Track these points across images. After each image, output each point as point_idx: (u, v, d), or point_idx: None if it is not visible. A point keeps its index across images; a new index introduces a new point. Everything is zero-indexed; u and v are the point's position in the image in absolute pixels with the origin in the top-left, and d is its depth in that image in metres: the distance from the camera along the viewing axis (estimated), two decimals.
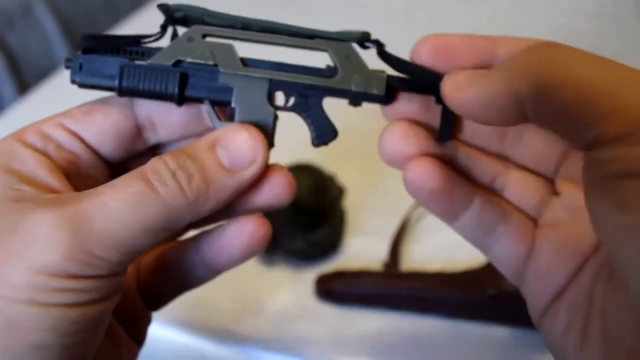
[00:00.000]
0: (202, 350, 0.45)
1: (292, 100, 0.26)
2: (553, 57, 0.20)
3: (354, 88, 0.26)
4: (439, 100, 0.25)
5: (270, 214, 0.51)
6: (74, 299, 0.22)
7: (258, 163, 0.25)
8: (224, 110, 0.27)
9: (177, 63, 0.26)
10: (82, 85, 0.26)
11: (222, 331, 0.45)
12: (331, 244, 0.51)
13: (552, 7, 0.90)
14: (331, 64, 0.26)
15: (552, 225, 0.26)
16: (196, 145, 0.24)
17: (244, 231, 0.28)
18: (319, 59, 0.27)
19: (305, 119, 0.27)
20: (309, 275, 0.49)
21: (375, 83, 0.26)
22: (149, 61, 0.26)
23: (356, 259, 0.50)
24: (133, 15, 0.96)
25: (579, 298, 0.24)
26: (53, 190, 0.24)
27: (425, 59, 0.25)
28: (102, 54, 0.26)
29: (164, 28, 0.26)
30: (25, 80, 1.03)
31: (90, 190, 0.23)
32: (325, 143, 0.27)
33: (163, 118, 0.27)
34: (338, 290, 0.47)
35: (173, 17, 0.26)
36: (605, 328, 0.22)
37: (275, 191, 0.26)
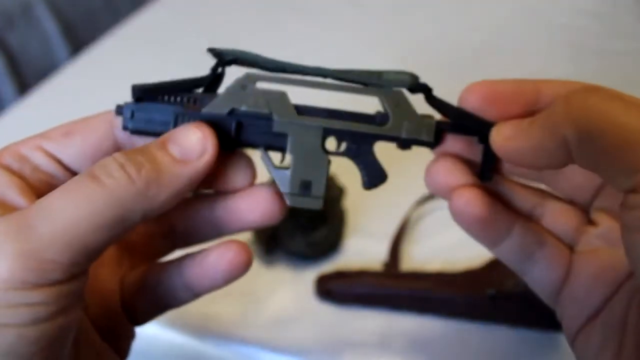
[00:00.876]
0: (202, 350, 0.45)
1: (343, 145, 0.27)
2: (595, 103, 0.21)
3: (404, 135, 0.27)
4: (481, 140, 0.26)
5: None
6: (30, 315, 0.21)
7: (209, 153, 0.25)
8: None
9: (232, 111, 0.26)
10: (134, 132, 0.26)
11: (222, 331, 0.45)
12: (331, 244, 0.51)
13: (553, 7, 0.90)
14: (381, 109, 0.27)
15: (589, 252, 0.27)
16: (147, 144, 0.25)
17: (225, 257, 0.28)
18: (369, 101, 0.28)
19: (357, 163, 0.27)
20: (309, 275, 0.49)
21: (424, 129, 0.27)
22: (203, 110, 0.26)
23: (356, 259, 0.50)
24: (133, 15, 0.96)
25: (613, 321, 0.25)
26: (15, 209, 0.24)
27: (474, 105, 0.26)
28: (154, 102, 0.26)
29: (214, 71, 0.27)
30: (25, 80, 1.03)
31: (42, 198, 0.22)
32: (376, 186, 0.28)
33: (142, 138, 0.27)
34: (338, 290, 0.47)
35: (224, 60, 0.27)
36: (639, 350, 0.23)
37: (265, 209, 0.28)
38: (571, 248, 0.28)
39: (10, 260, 0.20)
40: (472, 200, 0.26)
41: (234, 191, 0.28)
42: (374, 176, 0.28)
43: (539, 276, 0.27)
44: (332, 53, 0.80)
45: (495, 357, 0.43)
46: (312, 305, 0.47)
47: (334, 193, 0.51)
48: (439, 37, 0.84)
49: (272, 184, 0.28)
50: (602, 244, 0.26)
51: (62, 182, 0.25)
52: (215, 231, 0.30)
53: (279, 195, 0.28)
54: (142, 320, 0.30)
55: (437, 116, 0.27)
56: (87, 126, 0.27)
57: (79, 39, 1.12)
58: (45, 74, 0.85)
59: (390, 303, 0.46)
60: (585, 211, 0.28)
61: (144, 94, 0.26)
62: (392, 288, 0.46)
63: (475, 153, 0.27)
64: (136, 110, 0.26)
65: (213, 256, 0.28)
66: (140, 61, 0.82)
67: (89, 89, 0.78)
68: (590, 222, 0.27)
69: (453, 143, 0.27)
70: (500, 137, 0.25)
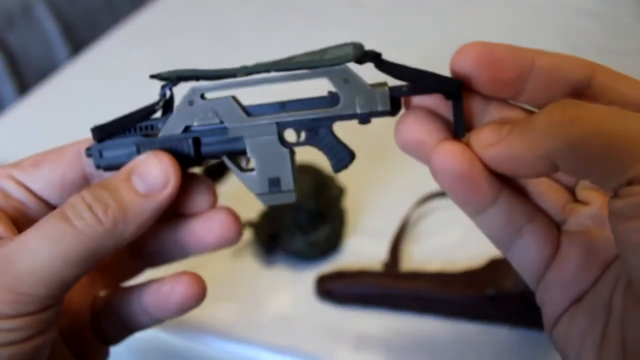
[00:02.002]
0: (202, 350, 0.45)
1: (303, 135, 0.27)
2: (581, 114, 0.21)
3: (359, 110, 0.26)
4: (448, 97, 0.25)
5: (270, 214, 0.52)
6: (7, 338, 0.22)
7: (171, 184, 0.26)
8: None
9: (187, 129, 0.27)
10: (107, 169, 0.28)
11: (222, 331, 0.45)
12: (331, 244, 0.51)
13: (553, 7, 0.90)
14: (332, 89, 0.26)
15: (579, 232, 0.26)
16: (113, 177, 0.26)
17: (177, 290, 0.29)
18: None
19: (320, 149, 0.27)
20: (309, 275, 0.49)
21: (379, 99, 0.26)
22: (160, 134, 0.27)
23: (356, 259, 0.50)
24: (133, 15, 0.96)
25: (599, 303, 0.24)
26: None
27: (468, 67, 0.25)
28: (115, 137, 0.27)
29: (163, 95, 0.27)
30: (25, 80, 1.03)
31: (20, 234, 0.24)
32: (345, 167, 0.27)
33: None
34: (338, 290, 0.47)
35: (169, 80, 0.27)
36: (624, 333, 0.22)
37: (219, 233, 0.29)
38: (559, 226, 0.27)
39: None
40: (455, 154, 0.24)
41: (195, 214, 0.30)
42: (341, 158, 0.27)
43: (525, 253, 0.26)
44: None
45: (495, 357, 0.43)
46: (312, 305, 0.47)
47: (334, 193, 0.51)
48: (439, 37, 0.84)
49: (228, 208, 0.29)
50: (592, 224, 0.26)
51: (33, 209, 0.28)
52: (181, 252, 0.31)
53: (235, 218, 0.29)
54: (111, 341, 0.31)
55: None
56: (56, 157, 0.28)
57: (79, 39, 1.12)
58: (45, 74, 0.85)
59: (390, 303, 0.46)
60: (568, 189, 0.27)
61: (103, 133, 0.27)
62: (392, 288, 0.46)
63: (446, 111, 0.26)
64: (102, 149, 0.28)
65: (166, 287, 0.29)
66: (140, 61, 0.82)
67: (89, 89, 0.78)
68: (577, 201, 0.26)
69: (419, 103, 0.26)
70: (480, 144, 0.24)
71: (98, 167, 0.28)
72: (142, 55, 0.84)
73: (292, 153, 0.27)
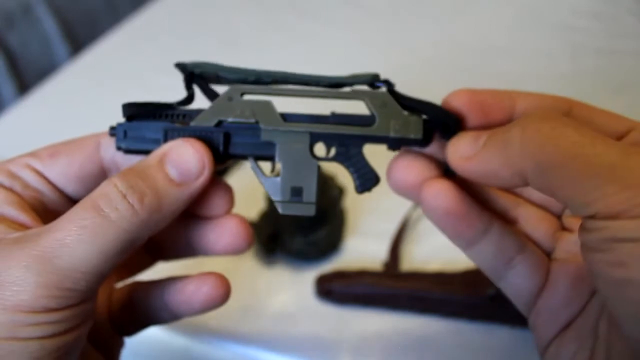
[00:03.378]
0: (202, 350, 0.45)
1: (333, 151, 0.27)
2: (554, 136, 0.21)
3: (392, 134, 0.26)
4: (445, 135, 0.26)
5: (270, 214, 0.51)
6: (51, 330, 0.23)
7: (205, 175, 0.26)
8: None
9: (219, 123, 0.27)
10: (127, 151, 0.27)
11: (222, 331, 0.45)
12: (331, 244, 0.51)
13: (553, 7, 0.90)
14: (367, 112, 0.27)
15: (566, 260, 0.26)
16: (144, 163, 0.26)
17: (202, 290, 0.29)
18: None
19: (347, 167, 0.27)
20: (309, 275, 0.49)
21: (412, 128, 0.26)
22: (191, 123, 0.27)
23: (356, 259, 0.50)
24: (133, 15, 0.96)
25: (586, 329, 0.24)
26: (22, 225, 0.25)
27: (461, 110, 0.26)
28: (144, 120, 0.27)
29: (188, 87, 0.27)
30: (25, 80, 1.03)
31: (51, 226, 0.24)
32: (369, 189, 0.28)
33: (127, 160, 0.28)
34: (338, 290, 0.47)
35: (192, 74, 0.27)
36: (609, 359, 0.23)
37: (232, 240, 0.29)
38: (549, 254, 0.27)
39: (32, 291, 0.22)
40: (443, 191, 0.25)
41: (209, 217, 0.29)
42: (366, 179, 0.27)
43: (517, 283, 0.27)
44: (332, 53, 0.80)
45: (495, 357, 0.43)
46: (312, 305, 0.47)
47: (334, 193, 0.51)
48: (439, 38, 0.84)
49: (240, 217, 0.29)
50: (579, 250, 0.26)
51: (50, 199, 0.27)
52: (191, 252, 0.31)
53: (247, 228, 0.29)
54: (128, 333, 0.31)
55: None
56: (74, 147, 0.28)
57: (79, 39, 1.12)
58: (45, 74, 0.85)
59: (390, 303, 0.46)
60: (557, 217, 0.28)
61: (135, 111, 0.27)
62: (392, 288, 0.46)
63: (435, 151, 0.27)
64: (128, 129, 0.27)
65: (192, 286, 0.29)
66: (140, 61, 0.82)
67: (89, 89, 0.78)
68: (565, 228, 0.27)
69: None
70: (456, 156, 0.25)
71: (119, 148, 0.27)
72: (142, 55, 0.84)
73: (319, 167, 0.27)
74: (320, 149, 0.27)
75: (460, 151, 0.24)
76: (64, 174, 0.27)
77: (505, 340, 0.44)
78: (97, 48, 0.88)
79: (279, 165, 0.27)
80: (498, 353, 0.43)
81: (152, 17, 0.96)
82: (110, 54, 0.87)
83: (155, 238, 0.30)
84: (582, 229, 0.21)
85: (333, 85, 0.27)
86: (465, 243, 0.27)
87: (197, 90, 0.28)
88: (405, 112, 0.26)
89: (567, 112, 0.25)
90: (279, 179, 0.27)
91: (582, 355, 0.24)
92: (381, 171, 0.28)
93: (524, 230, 0.27)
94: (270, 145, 0.27)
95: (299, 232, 0.49)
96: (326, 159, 0.27)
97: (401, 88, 0.27)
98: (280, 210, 0.27)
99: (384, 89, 0.27)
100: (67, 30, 1.12)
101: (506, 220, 0.27)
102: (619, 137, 0.25)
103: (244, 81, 0.27)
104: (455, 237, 0.27)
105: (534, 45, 0.81)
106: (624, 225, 0.19)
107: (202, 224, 0.30)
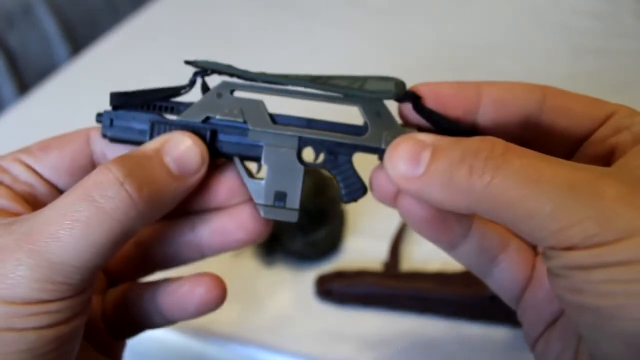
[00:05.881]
0: (202, 350, 0.45)
1: (321, 157, 0.26)
2: (499, 178, 0.21)
3: (383, 146, 0.26)
4: None
5: None
6: (48, 320, 0.22)
7: (203, 171, 0.25)
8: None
9: (207, 119, 0.26)
10: (113, 140, 0.26)
11: (222, 331, 0.45)
12: (331, 244, 0.51)
13: (553, 7, 0.90)
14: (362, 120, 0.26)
15: None
16: (143, 152, 0.25)
17: (197, 292, 0.28)
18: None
19: (334, 175, 0.27)
20: (309, 275, 0.49)
21: None
22: (179, 117, 0.26)
23: (356, 259, 0.50)
24: (133, 15, 0.96)
25: (570, 328, 0.24)
26: (14, 214, 0.25)
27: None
28: (132, 110, 0.26)
29: (192, 82, 0.26)
30: (25, 80, 1.03)
31: (44, 215, 0.23)
32: (355, 200, 0.27)
33: (116, 153, 0.27)
34: (338, 290, 0.47)
35: (203, 70, 0.26)
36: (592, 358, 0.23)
37: (252, 226, 0.28)
38: (535, 248, 0.27)
39: (26, 284, 0.22)
40: (417, 202, 0.25)
41: (217, 209, 0.28)
42: (353, 189, 0.27)
43: (501, 279, 0.27)
44: (332, 53, 0.80)
45: (495, 357, 0.43)
46: (312, 305, 0.47)
47: (334, 193, 0.51)
48: (439, 37, 0.84)
49: (251, 199, 0.27)
50: None
51: (41, 193, 0.27)
52: (197, 253, 0.29)
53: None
54: (122, 336, 0.31)
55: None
56: (65, 141, 0.28)
57: (79, 39, 1.12)
58: (45, 74, 0.85)
59: (390, 303, 0.46)
60: None
61: (121, 101, 0.26)
62: (392, 288, 0.46)
63: None
64: (114, 118, 0.26)
65: (185, 288, 0.28)
66: (140, 61, 0.82)
67: (89, 89, 0.78)
68: None
69: None
70: (396, 173, 0.23)
71: (104, 136, 0.26)
72: (142, 55, 0.84)
73: (305, 173, 0.26)
74: (309, 153, 0.27)
75: (400, 168, 0.23)
76: (55, 167, 0.27)
77: (505, 340, 0.44)
78: (97, 48, 0.88)
79: (264, 168, 0.26)
80: (498, 353, 0.43)
81: (152, 17, 0.96)
82: (110, 54, 0.87)
83: (154, 251, 0.29)
84: (543, 254, 0.22)
85: (341, 92, 0.26)
86: (447, 247, 0.27)
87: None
88: (400, 123, 0.26)
89: (540, 100, 0.25)
90: (263, 182, 0.26)
91: (567, 355, 0.24)
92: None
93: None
94: (257, 146, 0.26)
95: (299, 233, 0.49)
96: (314, 164, 0.26)
97: (392, 109, 0.26)
98: (261, 213, 0.27)
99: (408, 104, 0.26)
100: (67, 30, 1.12)
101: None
102: (600, 124, 0.24)
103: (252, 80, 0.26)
104: (436, 242, 0.26)
105: (534, 45, 0.81)
106: (579, 255, 0.20)
107: (212, 218, 0.28)
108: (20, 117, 0.74)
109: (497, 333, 0.44)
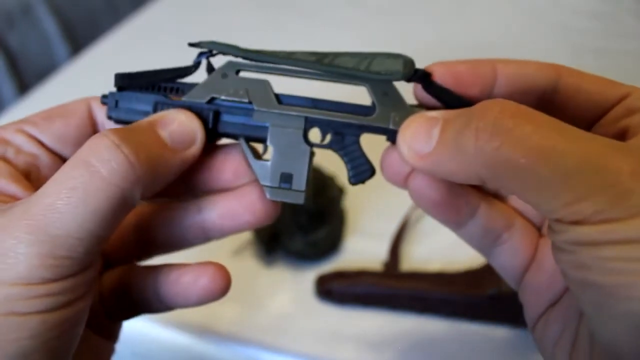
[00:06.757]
0: (202, 350, 0.45)
1: (328, 138, 0.26)
2: (510, 141, 0.20)
3: (391, 126, 0.25)
4: None
5: None
6: (51, 303, 0.22)
7: (198, 144, 0.25)
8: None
9: (212, 100, 0.26)
10: (118, 121, 0.26)
11: (222, 331, 0.45)
12: (331, 244, 0.51)
13: (553, 7, 0.90)
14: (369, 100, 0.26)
15: None
16: (137, 124, 0.24)
17: (200, 281, 0.28)
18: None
19: (341, 156, 0.26)
20: (309, 275, 0.49)
21: None
22: (183, 98, 0.26)
23: (356, 259, 0.50)
24: (133, 15, 0.96)
25: (570, 310, 0.24)
26: (11, 197, 0.24)
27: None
28: (137, 91, 0.26)
29: (197, 63, 0.26)
30: (25, 80, 1.03)
31: (41, 191, 0.22)
32: (363, 182, 0.26)
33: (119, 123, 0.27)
34: (338, 290, 0.47)
35: (207, 50, 0.26)
36: (592, 342, 0.22)
37: (261, 207, 0.27)
38: (539, 229, 0.27)
39: (27, 262, 0.21)
40: (429, 182, 0.25)
41: (223, 190, 0.28)
42: (361, 171, 0.26)
43: (504, 259, 0.27)
44: None
45: (495, 357, 0.43)
46: (312, 305, 0.47)
47: (334, 193, 0.51)
48: (439, 37, 0.84)
49: (257, 184, 0.27)
50: None
51: (46, 163, 0.26)
52: (202, 236, 0.29)
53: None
54: (119, 318, 0.30)
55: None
56: (68, 110, 0.27)
57: (79, 39, 1.12)
58: (45, 74, 0.85)
59: (390, 303, 0.46)
60: None
61: (126, 82, 0.26)
62: (392, 288, 0.46)
63: None
64: (120, 99, 0.26)
65: (188, 277, 0.28)
66: (140, 61, 0.82)
67: (89, 89, 0.78)
68: None
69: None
70: (409, 152, 0.23)
71: (109, 117, 0.26)
72: (142, 55, 0.84)
73: (312, 154, 0.26)
74: (315, 134, 0.26)
75: (413, 146, 0.23)
76: (60, 136, 0.26)
77: (505, 340, 0.44)
78: (97, 48, 0.88)
79: (270, 149, 0.26)
80: (498, 353, 0.43)
81: (152, 17, 0.96)
82: (110, 54, 0.87)
83: (156, 235, 0.29)
84: (549, 228, 0.21)
85: (349, 74, 0.25)
86: (454, 226, 0.26)
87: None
88: (409, 104, 0.26)
89: (555, 79, 0.24)
90: (269, 163, 0.26)
91: (568, 334, 0.24)
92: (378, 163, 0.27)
93: (514, 206, 0.27)
94: (263, 127, 0.26)
95: (299, 232, 0.49)
96: (320, 145, 0.26)
97: (401, 87, 0.26)
98: (267, 195, 0.26)
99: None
100: (67, 30, 1.12)
101: (496, 197, 0.27)
102: (613, 104, 0.24)
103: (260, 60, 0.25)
104: (444, 222, 0.26)
105: (534, 45, 0.81)
106: (587, 230, 0.19)
107: (220, 200, 0.28)
108: (20, 117, 0.74)
109: (497, 333, 0.44)
